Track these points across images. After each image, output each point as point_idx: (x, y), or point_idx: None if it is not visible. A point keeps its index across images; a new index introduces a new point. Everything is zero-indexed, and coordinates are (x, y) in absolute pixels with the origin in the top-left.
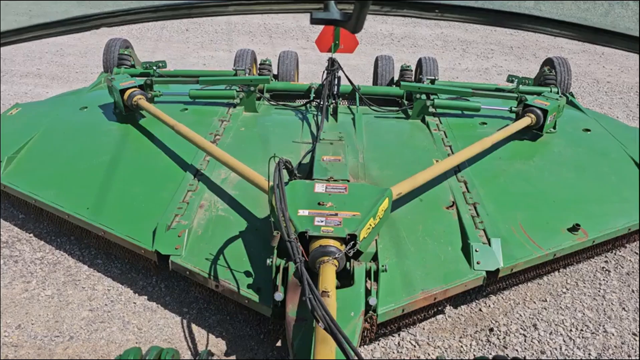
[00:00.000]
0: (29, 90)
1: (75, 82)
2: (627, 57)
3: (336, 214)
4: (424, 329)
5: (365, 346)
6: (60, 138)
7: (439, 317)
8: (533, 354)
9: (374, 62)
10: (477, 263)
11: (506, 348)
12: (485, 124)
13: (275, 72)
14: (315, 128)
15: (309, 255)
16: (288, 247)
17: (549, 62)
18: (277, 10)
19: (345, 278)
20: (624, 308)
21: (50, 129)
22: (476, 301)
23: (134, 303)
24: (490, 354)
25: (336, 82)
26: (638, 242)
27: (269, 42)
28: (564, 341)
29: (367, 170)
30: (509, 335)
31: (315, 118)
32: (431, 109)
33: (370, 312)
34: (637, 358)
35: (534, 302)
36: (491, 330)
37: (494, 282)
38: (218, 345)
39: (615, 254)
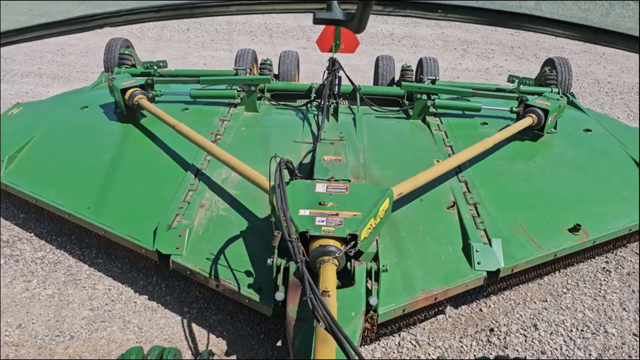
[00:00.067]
0: (30, 90)
1: (76, 81)
2: (628, 58)
3: (337, 214)
4: (424, 329)
5: (365, 346)
6: (61, 137)
7: (440, 317)
8: (534, 354)
9: (375, 62)
10: (478, 263)
11: (507, 348)
12: (486, 124)
13: (276, 72)
14: (316, 128)
15: (309, 255)
16: (289, 247)
17: (549, 63)
18: (280, 10)
19: (346, 278)
20: (624, 308)
21: (51, 128)
22: (477, 301)
23: (135, 302)
24: (491, 354)
25: (337, 82)
26: (638, 242)
27: (270, 42)
28: (565, 341)
29: (367, 170)
30: (510, 335)
31: (316, 118)
32: (432, 109)
33: (371, 312)
34: (638, 359)
35: (535, 303)
36: (492, 330)
37: (495, 283)
38: (219, 345)
39: (616, 254)
